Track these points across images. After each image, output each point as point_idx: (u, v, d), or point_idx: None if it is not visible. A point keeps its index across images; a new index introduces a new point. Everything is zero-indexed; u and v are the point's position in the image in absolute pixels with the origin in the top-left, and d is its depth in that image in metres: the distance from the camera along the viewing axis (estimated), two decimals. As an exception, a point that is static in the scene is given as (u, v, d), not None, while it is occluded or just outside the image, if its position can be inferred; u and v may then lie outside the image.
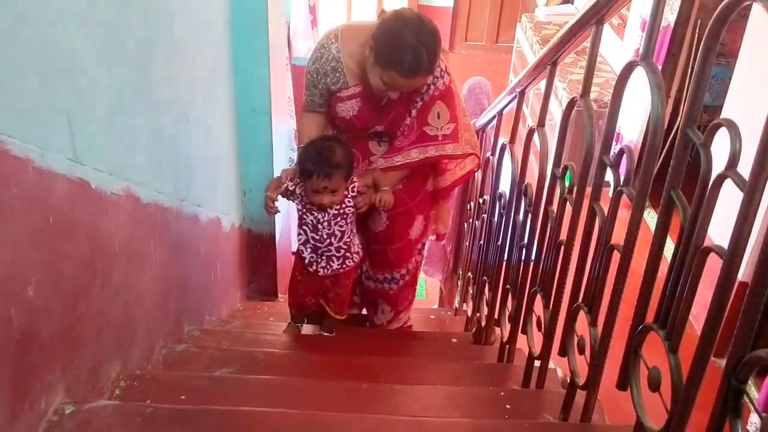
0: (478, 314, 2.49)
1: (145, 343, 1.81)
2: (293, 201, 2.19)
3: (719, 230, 1.14)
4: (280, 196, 2.16)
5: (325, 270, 2.25)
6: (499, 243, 2.22)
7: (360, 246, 2.33)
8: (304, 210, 2.15)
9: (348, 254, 2.24)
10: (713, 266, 1.00)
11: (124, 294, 1.61)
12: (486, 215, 2.50)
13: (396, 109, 2.18)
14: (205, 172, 2.50)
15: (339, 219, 2.15)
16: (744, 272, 1.02)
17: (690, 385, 1.05)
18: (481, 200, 2.65)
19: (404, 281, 2.61)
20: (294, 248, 2.62)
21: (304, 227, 2.18)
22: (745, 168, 0.91)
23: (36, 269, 1.18)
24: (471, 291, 2.70)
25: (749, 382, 0.94)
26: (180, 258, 2.15)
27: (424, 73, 1.98)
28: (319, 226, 2.15)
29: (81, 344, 1.39)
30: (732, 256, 0.94)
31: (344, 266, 2.26)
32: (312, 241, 2.19)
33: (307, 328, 2.54)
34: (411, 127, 2.22)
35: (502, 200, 2.21)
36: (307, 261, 2.24)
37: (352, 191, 2.14)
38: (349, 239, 2.22)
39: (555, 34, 1.69)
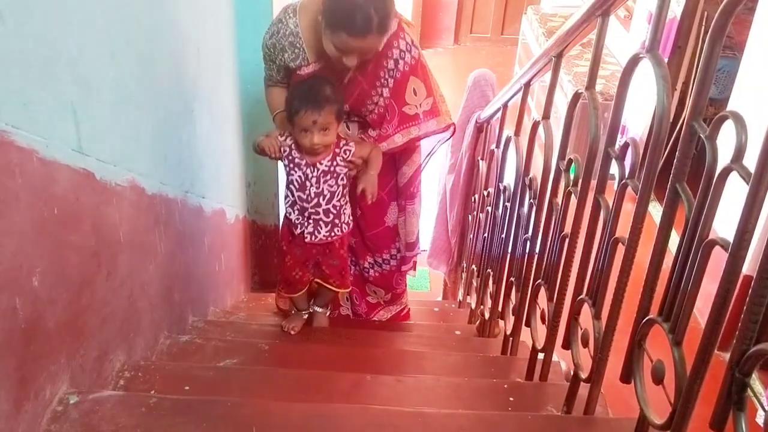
0: (482, 307, 2.49)
1: (149, 333, 1.81)
2: (280, 159, 2.05)
3: (724, 223, 1.13)
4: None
5: (312, 236, 2.10)
6: (503, 235, 2.22)
7: (351, 218, 2.20)
8: (292, 166, 2.02)
9: (337, 221, 2.11)
10: (718, 259, 1.00)
11: (128, 284, 1.62)
12: (490, 208, 2.49)
13: (360, 87, 2.09)
14: (210, 163, 2.50)
15: (328, 177, 2.03)
16: (748, 265, 1.02)
17: (694, 379, 1.05)
18: (485, 192, 2.65)
19: (391, 266, 2.57)
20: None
21: (291, 186, 2.06)
22: (750, 161, 0.90)
23: (41, 259, 1.18)
24: (475, 283, 2.70)
25: (753, 375, 0.94)
26: (184, 249, 2.16)
27: (375, 33, 1.85)
28: (307, 183, 2.02)
29: (85, 334, 1.40)
30: (737, 249, 0.93)
31: (332, 234, 2.13)
32: (299, 202, 2.06)
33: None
34: (390, 109, 2.14)
35: (507, 193, 2.21)
36: (293, 222, 2.11)
37: (345, 153, 2.03)
38: (338, 204, 2.09)
39: (561, 26, 1.68)
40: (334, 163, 2.02)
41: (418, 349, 2.24)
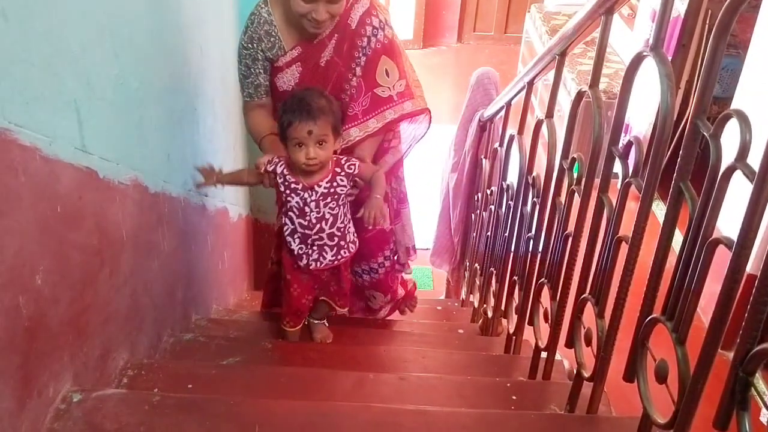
0: (485, 305, 2.49)
1: (152, 331, 1.82)
2: (275, 186, 1.91)
3: (728, 222, 1.13)
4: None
5: (318, 263, 1.97)
6: (506, 234, 2.22)
7: (356, 234, 2.05)
8: (288, 192, 1.86)
9: (343, 242, 1.97)
10: (721, 258, 0.99)
11: (131, 283, 1.62)
12: (494, 206, 2.49)
13: (337, 69, 2.02)
14: (213, 162, 2.50)
15: (329, 199, 1.87)
16: (752, 264, 1.01)
17: (697, 378, 1.05)
18: (488, 191, 2.65)
19: (384, 269, 2.46)
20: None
21: (290, 213, 1.90)
22: (754, 159, 0.90)
23: (44, 258, 1.18)
24: (478, 282, 2.70)
25: (757, 374, 0.94)
26: (187, 247, 2.16)
27: None
28: (306, 209, 1.87)
29: (89, 333, 1.40)
30: (740, 248, 0.93)
31: (339, 257, 1.99)
32: (300, 229, 1.91)
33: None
34: (359, 88, 2.04)
35: (510, 191, 2.21)
36: (296, 253, 1.96)
37: (349, 168, 1.88)
38: (343, 225, 1.95)
39: (564, 25, 1.68)
40: (334, 183, 1.87)
41: (421, 347, 2.24)
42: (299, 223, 1.91)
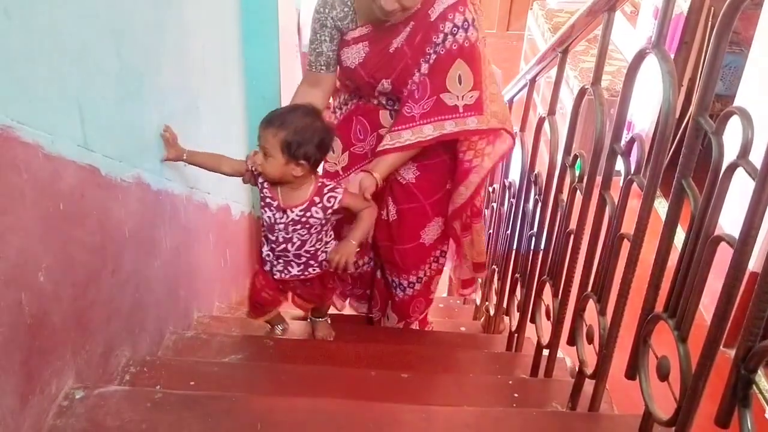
0: (487, 303, 2.49)
1: (155, 329, 1.82)
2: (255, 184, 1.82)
3: (730, 219, 1.13)
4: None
5: (282, 275, 1.89)
6: (508, 232, 2.22)
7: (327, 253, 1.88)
8: (263, 203, 1.78)
9: (313, 261, 1.87)
10: (724, 256, 0.99)
11: (134, 280, 1.62)
12: (496, 204, 2.49)
13: (405, 60, 1.84)
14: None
15: (299, 227, 1.77)
16: (754, 262, 1.01)
17: (699, 375, 1.05)
18: (491, 189, 2.65)
19: (414, 290, 2.26)
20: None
21: (264, 218, 1.81)
22: (757, 157, 0.90)
23: (46, 255, 1.18)
24: (480, 280, 2.70)
25: (759, 372, 0.94)
26: (190, 245, 2.16)
27: None
28: (276, 227, 1.78)
29: (91, 330, 1.40)
30: (743, 245, 0.93)
31: (307, 273, 1.89)
32: (268, 241, 1.84)
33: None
34: (423, 86, 1.85)
35: (512, 189, 2.21)
36: (263, 255, 1.89)
37: (328, 201, 1.74)
38: (312, 248, 1.83)
39: (566, 22, 1.68)
40: (308, 213, 1.75)
41: (423, 345, 2.24)
42: (266, 236, 1.84)
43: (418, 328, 2.47)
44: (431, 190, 2.06)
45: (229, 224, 2.79)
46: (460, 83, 1.83)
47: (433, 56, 1.82)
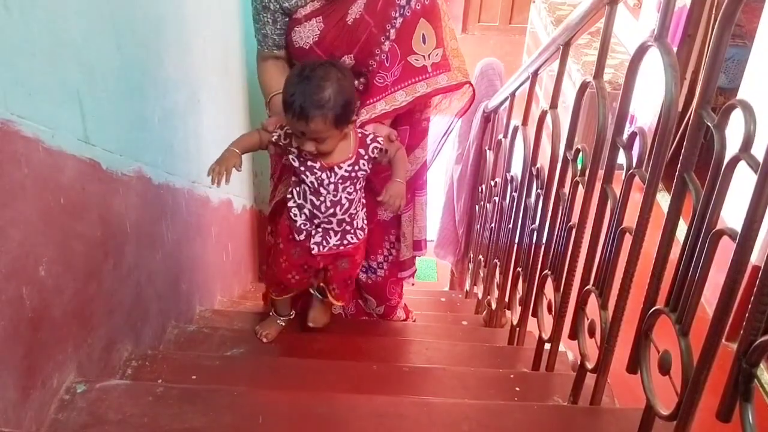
0: (488, 297, 2.49)
1: (156, 323, 1.82)
2: (284, 153, 1.71)
3: (732, 213, 1.12)
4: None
5: (320, 247, 1.78)
6: (510, 226, 2.21)
7: (365, 220, 1.85)
8: (303, 169, 1.67)
9: (349, 228, 1.78)
10: (726, 249, 0.99)
11: (135, 274, 1.62)
12: (498, 198, 2.49)
13: (368, 29, 1.72)
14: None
15: (348, 183, 1.69)
16: (756, 255, 1.01)
17: (701, 369, 1.05)
18: (492, 183, 2.64)
19: (384, 271, 2.21)
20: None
21: (304, 187, 1.70)
22: (759, 150, 0.89)
23: (47, 249, 1.19)
24: (482, 274, 2.70)
25: (760, 365, 0.93)
26: (191, 239, 2.16)
27: None
28: (322, 190, 1.68)
29: (93, 324, 1.40)
30: (744, 239, 0.93)
31: (343, 244, 1.80)
32: (310, 207, 1.72)
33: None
34: (393, 55, 1.76)
35: (514, 183, 2.20)
36: (298, 226, 1.76)
37: (373, 151, 1.68)
38: (355, 211, 1.77)
39: (569, 15, 1.67)
40: (356, 167, 1.68)
41: (425, 339, 2.24)
42: (311, 201, 1.71)
43: (404, 316, 2.44)
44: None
45: (231, 218, 2.79)
46: (424, 43, 1.78)
47: (400, 19, 1.74)
